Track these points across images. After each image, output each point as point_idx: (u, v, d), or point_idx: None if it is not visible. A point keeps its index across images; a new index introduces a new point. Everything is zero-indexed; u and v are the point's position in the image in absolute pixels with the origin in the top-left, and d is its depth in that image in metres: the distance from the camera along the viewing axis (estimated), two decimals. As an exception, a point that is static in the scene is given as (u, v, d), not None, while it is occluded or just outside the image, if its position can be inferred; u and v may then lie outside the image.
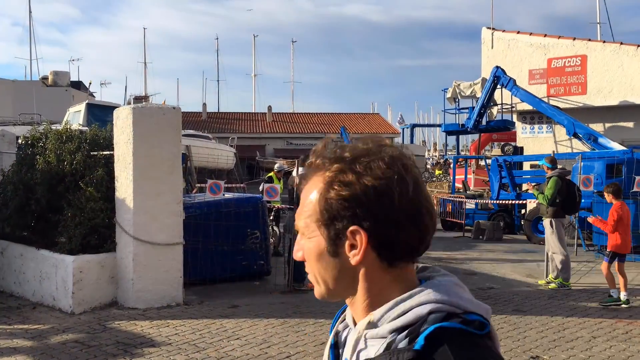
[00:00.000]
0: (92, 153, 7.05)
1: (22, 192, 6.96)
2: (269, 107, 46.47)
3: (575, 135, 13.10)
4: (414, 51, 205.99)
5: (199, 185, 13.72)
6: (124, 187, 6.59)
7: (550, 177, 7.93)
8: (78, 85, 37.28)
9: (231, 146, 23.74)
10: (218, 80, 67.88)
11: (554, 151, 13.50)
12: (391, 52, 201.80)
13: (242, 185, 17.64)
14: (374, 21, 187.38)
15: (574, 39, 14.95)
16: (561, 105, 14.53)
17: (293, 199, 7.93)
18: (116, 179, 6.70)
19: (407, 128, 48.68)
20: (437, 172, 33.41)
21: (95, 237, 6.71)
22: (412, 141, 49.01)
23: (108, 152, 6.97)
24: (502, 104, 15.37)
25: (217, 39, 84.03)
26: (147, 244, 6.50)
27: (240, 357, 4.91)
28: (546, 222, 7.95)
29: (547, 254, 8.16)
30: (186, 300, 6.74)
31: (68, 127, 7.64)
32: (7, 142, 8.37)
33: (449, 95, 16.65)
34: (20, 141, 8.89)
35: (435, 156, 65.25)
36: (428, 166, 44.65)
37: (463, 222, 14.04)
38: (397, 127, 50.41)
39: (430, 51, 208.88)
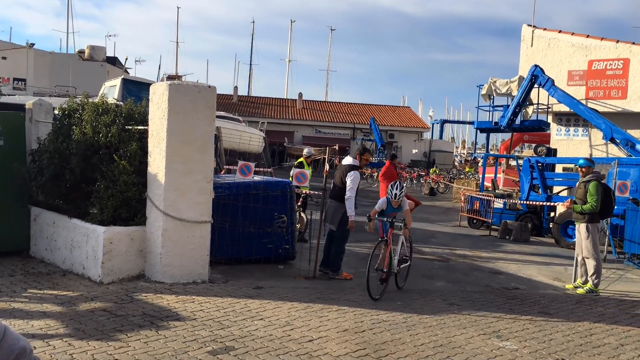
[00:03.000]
0: (126, 127, 7.11)
1: (58, 161, 7.06)
2: (300, 94, 46.46)
3: (612, 140, 12.74)
4: (447, 46, 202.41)
5: (227, 167, 13.80)
6: (157, 163, 6.65)
7: (588, 182, 7.70)
8: (113, 60, 37.84)
9: (261, 130, 23.80)
10: (251, 64, 68.24)
11: (591, 154, 13.17)
12: (424, 45, 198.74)
13: (269, 169, 17.68)
14: (408, 13, 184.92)
15: (617, 41, 14.48)
16: (599, 109, 14.14)
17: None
18: (149, 154, 6.77)
19: (437, 123, 48.15)
20: (467, 168, 32.93)
21: (126, 210, 6.79)
22: (441, 137, 48.54)
23: (142, 127, 7.03)
24: (538, 103, 15.02)
25: (254, 22, 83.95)
26: (176, 220, 6.57)
27: (263, 337, 4.93)
28: (582, 226, 7.73)
29: (577, 259, 7.98)
30: (211, 278, 6.80)
31: (104, 100, 7.73)
32: (44, 112, 8.49)
33: (484, 91, 16.32)
34: (56, 112, 9.04)
35: (464, 153, 64.46)
36: (456, 163, 44.17)
37: (490, 221, 13.84)
38: (427, 121, 49.91)
39: (464, 47, 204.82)
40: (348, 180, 7.46)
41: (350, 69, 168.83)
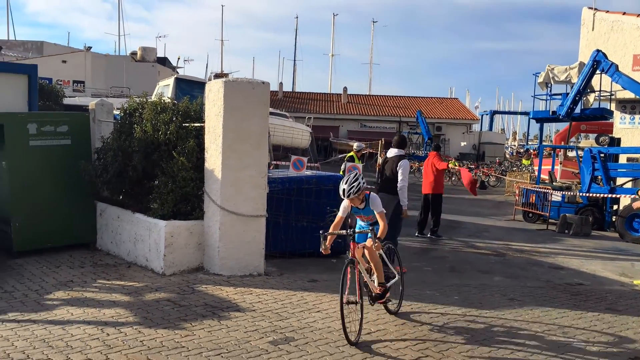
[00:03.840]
0: (184, 124, 7.30)
1: (121, 159, 7.31)
2: (344, 89, 46.37)
3: (682, 128, 12.04)
4: (497, 33, 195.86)
5: (275, 162, 13.97)
6: (213, 159, 6.80)
7: None
8: (163, 61, 39.00)
9: (307, 125, 23.94)
10: (295, 60, 68.65)
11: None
12: (472, 34, 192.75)
13: (316, 164, 17.77)
14: (454, 1, 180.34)
15: (687, 22, 13.65)
16: (668, 95, 13.37)
17: (381, 179, 7.77)
18: (206, 150, 6.92)
19: (487, 114, 46.92)
20: (524, 161, 31.55)
21: (185, 205, 6.97)
22: (490, 128, 47.28)
23: (199, 124, 7.20)
24: (600, 91, 14.36)
25: (297, 17, 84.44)
26: (232, 214, 6.69)
27: (322, 329, 4.97)
28: None
29: (646, 253, 7.60)
30: (267, 271, 6.90)
31: (162, 99, 7.96)
32: (105, 112, 8.84)
33: (540, 79, 15.73)
34: (116, 112, 9.38)
35: (515, 145, 62.53)
36: (507, 155, 42.94)
37: (547, 214, 13.39)
38: (475, 112, 48.78)
39: (515, 34, 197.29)
40: (399, 171, 7.50)
41: (395, 61, 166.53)
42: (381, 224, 5.06)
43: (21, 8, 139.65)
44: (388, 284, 5.23)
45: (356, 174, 5.12)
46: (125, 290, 5.93)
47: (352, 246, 4.97)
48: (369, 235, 4.94)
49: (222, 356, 4.31)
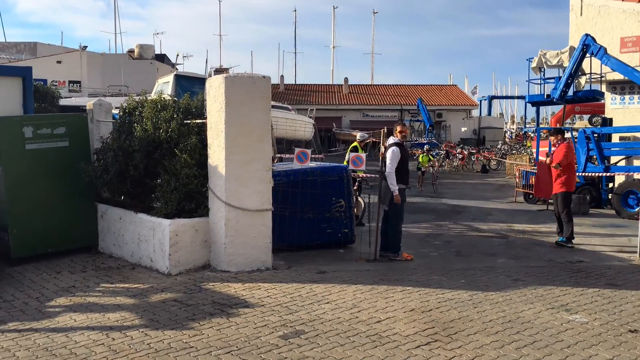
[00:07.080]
0: (185, 121, 7.29)
1: (122, 159, 7.23)
2: (345, 79, 46.32)
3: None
4: (491, 20, 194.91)
5: (278, 155, 13.96)
6: (217, 155, 6.81)
7: None
8: (162, 58, 38.79)
9: (310, 117, 23.93)
10: (295, 53, 68.58)
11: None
12: (468, 21, 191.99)
13: (320, 155, 17.76)
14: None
15: (676, 1, 13.68)
16: (658, 74, 13.44)
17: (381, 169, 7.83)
18: (209, 146, 6.92)
19: (485, 100, 46.88)
20: (528, 143, 31.50)
21: (190, 202, 6.95)
22: (489, 113, 47.30)
23: (201, 120, 7.20)
24: (590, 73, 14.59)
25: (295, 10, 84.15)
26: (238, 209, 6.70)
27: (331, 320, 5.03)
28: None
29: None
30: (275, 265, 6.91)
31: (162, 96, 7.95)
32: (104, 111, 8.77)
33: (534, 64, 15.92)
34: (116, 111, 9.36)
35: (513, 129, 62.57)
36: (507, 139, 42.91)
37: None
38: (474, 98, 48.74)
39: (509, 20, 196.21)
40: (387, 157, 7.60)
41: (395, 50, 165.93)
42: None
43: (11, 9, 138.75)
44: None
45: None
46: (129, 292, 5.87)
47: None
48: None
49: (232, 354, 4.27)
